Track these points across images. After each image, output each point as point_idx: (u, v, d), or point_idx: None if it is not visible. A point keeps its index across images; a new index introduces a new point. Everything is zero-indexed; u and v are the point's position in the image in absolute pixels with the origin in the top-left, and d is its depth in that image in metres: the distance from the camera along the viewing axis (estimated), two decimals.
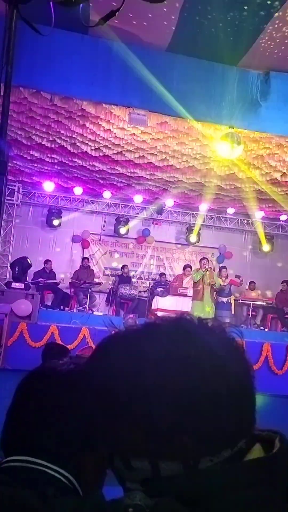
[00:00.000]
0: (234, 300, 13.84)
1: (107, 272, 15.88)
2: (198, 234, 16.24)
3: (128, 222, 15.90)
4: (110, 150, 11.00)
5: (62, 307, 13.77)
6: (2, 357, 9.67)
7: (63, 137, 10.48)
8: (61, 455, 1.01)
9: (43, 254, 14.78)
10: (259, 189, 12.80)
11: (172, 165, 11.63)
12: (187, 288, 12.97)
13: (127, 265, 15.23)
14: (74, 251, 15.81)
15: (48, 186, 14.34)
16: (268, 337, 12.52)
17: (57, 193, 15.20)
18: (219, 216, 16.55)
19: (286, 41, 7.54)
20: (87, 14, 5.52)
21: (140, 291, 14.88)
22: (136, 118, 8.63)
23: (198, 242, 16.37)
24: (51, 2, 3.37)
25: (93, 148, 10.93)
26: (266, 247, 16.47)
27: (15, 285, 11.74)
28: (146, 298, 14.27)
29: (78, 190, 14.72)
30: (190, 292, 12.61)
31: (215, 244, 16.70)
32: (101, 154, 11.26)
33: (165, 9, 6.87)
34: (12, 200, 14.75)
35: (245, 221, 16.69)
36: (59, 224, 15.43)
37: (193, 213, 16.26)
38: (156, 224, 16.52)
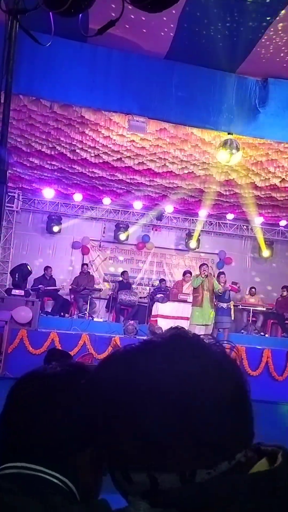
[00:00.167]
0: (235, 305, 13.84)
1: (107, 278, 15.89)
2: (198, 240, 16.26)
3: (128, 228, 15.93)
4: (110, 157, 11.04)
5: (62, 313, 13.78)
6: (2, 365, 9.67)
7: (62, 144, 10.52)
8: (55, 458, 1.00)
9: (43, 261, 14.80)
10: (258, 195, 12.84)
11: (172, 171, 11.67)
12: (187, 294, 12.98)
13: (127, 271, 15.25)
14: (74, 258, 15.83)
15: (48, 192, 14.37)
16: (269, 343, 12.52)
17: (57, 200, 15.23)
18: (218, 222, 16.58)
19: (284, 48, 7.58)
20: (86, 23, 5.56)
21: (140, 297, 14.89)
22: (135, 125, 8.67)
23: (197, 248, 16.39)
24: (50, 12, 3.40)
25: (92, 154, 10.97)
26: (265, 252, 16.50)
27: (15, 292, 11.75)
28: (146, 304, 14.28)
29: (78, 197, 14.76)
30: (190, 298, 12.61)
31: (214, 250, 16.73)
32: (100, 161, 11.29)
33: (163, 18, 6.90)
34: (12, 207, 14.79)
35: (245, 227, 16.72)
36: (59, 231, 15.46)
37: (192, 219, 16.29)
38: (156, 230, 16.55)
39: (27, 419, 1.04)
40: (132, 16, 6.70)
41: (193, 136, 9.49)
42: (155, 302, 13.51)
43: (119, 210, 15.96)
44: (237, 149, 8.80)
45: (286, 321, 14.23)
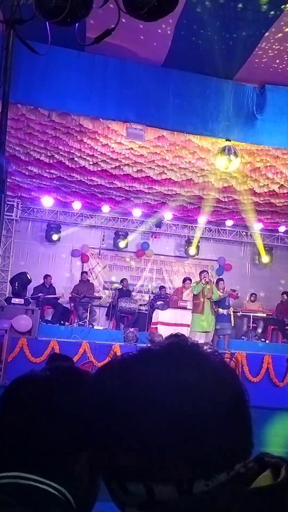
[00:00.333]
0: (235, 312, 13.83)
1: (107, 286, 15.88)
2: (197, 247, 16.26)
3: (127, 236, 15.93)
4: (108, 165, 11.06)
5: (62, 322, 13.76)
6: (2, 373, 9.63)
7: (61, 153, 10.53)
8: (49, 466, 0.98)
9: (42, 269, 14.77)
10: (257, 201, 12.85)
11: (170, 178, 11.68)
12: (187, 301, 12.97)
13: (126, 279, 15.23)
14: (73, 266, 15.82)
15: (47, 201, 14.38)
16: (269, 349, 12.50)
17: (56, 208, 15.24)
18: (217, 229, 16.59)
19: (281, 54, 7.62)
20: (83, 32, 5.59)
21: (140, 305, 14.87)
22: (133, 133, 8.69)
23: (197, 255, 16.38)
24: (47, 22, 3.42)
25: (91, 163, 10.98)
26: (265, 258, 16.49)
27: (15, 300, 11.75)
28: (146, 312, 14.26)
29: (77, 205, 14.76)
30: (190, 305, 12.60)
31: (214, 257, 16.73)
32: (99, 169, 11.31)
33: (161, 25, 6.94)
34: (11, 216, 14.80)
35: (244, 233, 16.72)
36: (58, 239, 15.46)
37: (191, 226, 16.30)
38: (155, 237, 16.55)
39: (18, 426, 1.02)
40: (129, 25, 6.73)
41: (191, 143, 9.51)
42: (155, 309, 13.50)
43: (118, 218, 15.97)
44: (236, 155, 8.82)
45: (287, 327, 14.22)
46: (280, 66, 7.88)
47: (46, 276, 14.20)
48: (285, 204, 12.78)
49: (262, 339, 14.27)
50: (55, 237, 15.33)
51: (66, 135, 9.58)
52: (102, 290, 15.73)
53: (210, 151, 9.66)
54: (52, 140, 9.87)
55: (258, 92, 8.38)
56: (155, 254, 16.32)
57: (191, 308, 12.43)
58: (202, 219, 15.36)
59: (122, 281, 15.10)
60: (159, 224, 15.75)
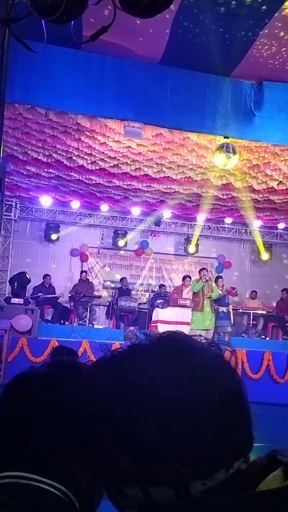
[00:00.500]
0: (235, 309, 13.83)
1: (107, 285, 15.87)
2: (197, 245, 16.25)
3: (126, 235, 15.92)
4: (106, 163, 11.04)
5: (62, 321, 13.77)
6: (2, 373, 9.63)
7: (59, 152, 10.52)
8: (50, 465, 0.96)
9: (42, 269, 14.76)
10: (256, 198, 12.84)
11: (169, 176, 11.67)
12: (187, 299, 12.96)
13: (126, 278, 15.23)
14: (73, 265, 15.80)
15: (46, 200, 14.36)
16: (269, 345, 12.51)
17: (54, 208, 15.23)
18: (217, 226, 16.59)
19: (278, 51, 7.60)
20: (80, 30, 5.57)
21: (140, 303, 14.87)
22: (131, 131, 8.67)
23: (196, 253, 16.38)
24: (42, 20, 3.40)
25: (89, 161, 10.97)
26: (264, 255, 16.48)
27: (15, 300, 11.75)
28: (146, 310, 14.26)
29: (75, 204, 14.74)
30: (190, 303, 12.60)
31: (213, 254, 16.73)
32: (97, 168, 11.29)
33: (157, 23, 6.92)
34: (10, 216, 14.80)
35: (243, 231, 16.71)
36: (57, 239, 15.44)
37: (191, 224, 16.29)
38: (155, 235, 16.54)
39: (18, 425, 1.00)
40: (126, 22, 6.71)
41: (189, 140, 9.49)
42: (155, 308, 13.49)
43: (117, 217, 15.96)
44: (234, 152, 8.80)
45: (287, 324, 14.22)
46: (278, 62, 7.86)
47: (46, 276, 14.19)
48: (284, 201, 12.78)
49: (262, 336, 14.29)
50: (54, 236, 15.32)
51: (64, 134, 9.57)
52: (102, 289, 15.72)
53: (208, 149, 9.64)
54: (49, 139, 9.85)
55: (255, 88, 8.36)
56: (154, 252, 16.31)
57: (191, 306, 12.43)
58: (201, 217, 15.35)
59: (121, 280, 15.10)
60: (158, 223, 15.74)
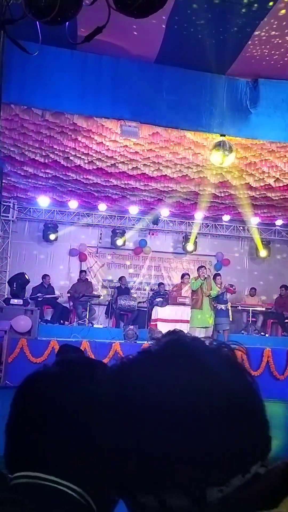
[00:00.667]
0: (234, 306, 13.86)
1: (106, 284, 15.88)
2: (195, 243, 16.27)
3: (125, 234, 15.94)
4: (104, 163, 11.05)
5: (61, 321, 13.78)
6: (2, 374, 9.64)
7: (56, 152, 10.52)
8: (68, 467, 0.94)
9: (40, 269, 14.77)
10: (253, 195, 12.86)
11: (166, 175, 11.68)
12: (186, 297, 12.97)
13: (124, 277, 15.25)
14: (71, 265, 15.81)
15: (43, 201, 14.37)
16: (269, 342, 12.53)
17: (52, 208, 15.23)
18: (215, 224, 16.61)
19: (273, 47, 7.61)
20: (75, 30, 5.57)
21: (139, 302, 14.88)
22: (127, 130, 8.68)
23: (195, 251, 16.40)
24: (37, 22, 3.42)
25: (86, 161, 10.97)
26: (263, 252, 16.50)
27: (14, 301, 11.74)
28: (145, 309, 14.27)
29: (73, 204, 14.75)
30: (189, 301, 12.61)
31: (212, 252, 16.75)
32: (94, 167, 11.30)
33: (152, 22, 6.93)
34: (8, 217, 14.79)
35: (241, 228, 16.73)
36: (56, 239, 15.46)
37: (189, 222, 16.30)
38: (153, 234, 16.55)
39: (31, 425, 0.99)
40: (121, 22, 6.72)
41: (185, 139, 9.50)
42: (155, 306, 13.51)
43: (115, 216, 15.97)
44: (230, 150, 8.81)
45: (286, 320, 14.25)
46: (273, 59, 7.86)
47: (45, 276, 14.20)
48: (281, 197, 12.80)
49: (262, 333, 14.31)
50: (52, 236, 15.33)
51: (60, 134, 9.57)
52: (101, 289, 15.73)
53: (205, 147, 9.66)
54: (46, 140, 9.86)
55: (251, 86, 8.37)
56: (153, 251, 16.33)
57: (190, 304, 12.44)
58: (199, 215, 15.37)
59: (120, 279, 15.11)
60: (156, 221, 15.75)
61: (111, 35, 7.07)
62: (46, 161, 11.03)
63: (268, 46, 7.58)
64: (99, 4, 3.75)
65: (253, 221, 15.66)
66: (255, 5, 6.58)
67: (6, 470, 0.98)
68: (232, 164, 9.84)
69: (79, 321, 13.70)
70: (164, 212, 15.22)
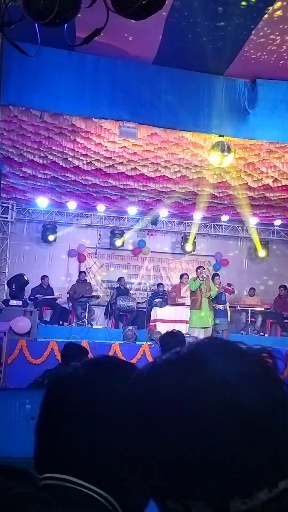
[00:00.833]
0: (233, 307, 13.87)
1: (105, 285, 15.88)
2: (194, 243, 16.29)
3: (124, 234, 15.94)
4: (102, 164, 11.06)
5: (61, 322, 13.77)
6: (2, 376, 9.64)
7: (54, 153, 10.53)
8: (98, 473, 0.94)
9: (39, 270, 14.77)
10: (252, 196, 12.87)
11: (164, 175, 11.69)
12: (185, 297, 12.98)
13: (123, 277, 15.26)
14: (70, 266, 15.82)
15: (42, 202, 14.38)
16: (268, 342, 12.52)
17: (51, 209, 15.24)
18: (213, 224, 16.62)
19: (271, 48, 7.62)
20: (73, 32, 5.58)
21: (138, 303, 14.89)
22: (126, 131, 8.69)
23: (194, 251, 16.41)
24: (36, 24, 3.42)
25: (85, 162, 10.98)
26: (261, 252, 16.52)
27: (13, 302, 11.74)
28: (144, 309, 14.27)
29: (72, 205, 14.76)
30: (188, 301, 12.62)
31: (211, 252, 16.76)
32: (93, 168, 11.31)
33: (150, 23, 6.92)
34: (7, 218, 14.81)
35: (240, 228, 16.75)
36: (55, 239, 15.46)
37: (187, 222, 16.32)
38: (152, 235, 16.56)
39: (63, 428, 0.98)
40: (119, 23, 6.73)
41: (184, 140, 9.51)
42: (154, 307, 13.51)
43: (113, 217, 15.98)
44: (229, 150, 8.83)
45: (285, 320, 14.27)
46: (271, 60, 7.87)
47: (44, 277, 14.21)
48: (280, 197, 12.81)
49: (261, 333, 14.32)
50: (51, 237, 15.34)
51: (59, 135, 9.58)
52: (100, 289, 15.74)
53: (203, 147, 9.67)
54: (45, 141, 9.86)
55: (249, 86, 8.37)
56: (152, 251, 16.34)
57: (189, 304, 12.45)
58: (198, 215, 15.39)
59: (119, 279, 15.11)
60: (155, 222, 15.77)
61: (109, 37, 7.07)
62: (45, 162, 11.04)
63: (266, 47, 7.58)
64: (97, 6, 3.75)
65: (252, 221, 15.68)
66: (252, 5, 6.59)
67: (35, 471, 0.99)
68: (231, 164, 9.85)
69: (78, 322, 13.70)
70: (163, 212, 15.23)
